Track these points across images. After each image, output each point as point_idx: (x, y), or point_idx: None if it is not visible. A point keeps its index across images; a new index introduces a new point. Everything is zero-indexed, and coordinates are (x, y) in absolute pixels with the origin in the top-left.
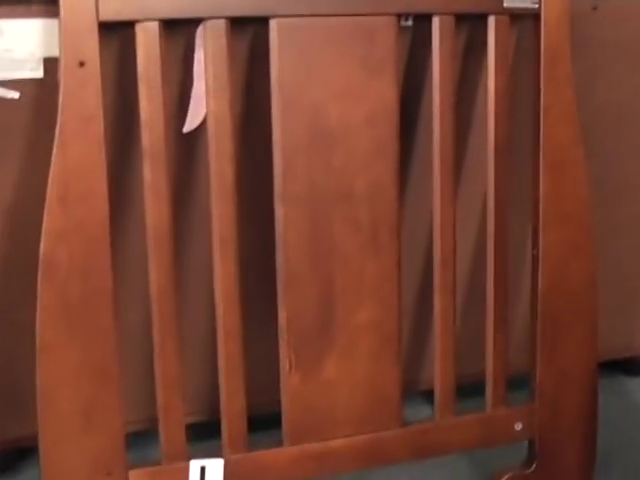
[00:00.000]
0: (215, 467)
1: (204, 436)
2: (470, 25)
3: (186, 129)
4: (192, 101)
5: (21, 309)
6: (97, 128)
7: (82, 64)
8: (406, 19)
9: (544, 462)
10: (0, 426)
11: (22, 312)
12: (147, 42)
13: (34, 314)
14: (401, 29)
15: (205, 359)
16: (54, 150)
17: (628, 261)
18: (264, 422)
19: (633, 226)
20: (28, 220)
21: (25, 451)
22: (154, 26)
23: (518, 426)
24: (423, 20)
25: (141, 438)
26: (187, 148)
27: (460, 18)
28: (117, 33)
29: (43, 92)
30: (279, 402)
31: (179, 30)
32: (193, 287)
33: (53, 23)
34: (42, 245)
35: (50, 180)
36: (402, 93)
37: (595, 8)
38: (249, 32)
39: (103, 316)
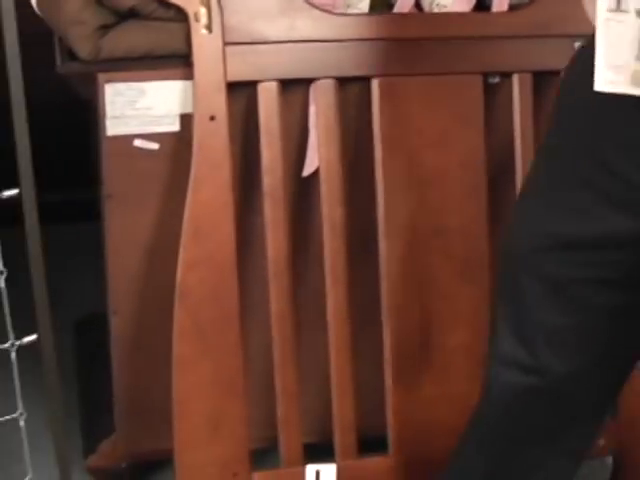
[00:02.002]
0: (329, 471)
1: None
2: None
3: (305, 173)
4: (309, 149)
5: (155, 334)
6: (225, 173)
7: (212, 118)
8: (493, 77)
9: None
10: (131, 440)
11: (155, 336)
12: (267, 99)
13: (166, 338)
14: (489, 85)
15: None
16: (189, 193)
17: None
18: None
19: None
20: (164, 255)
21: (153, 463)
22: (273, 85)
23: (601, 442)
24: (508, 77)
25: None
26: (307, 189)
27: (539, 75)
28: (242, 91)
29: (179, 144)
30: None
31: (297, 86)
32: (310, 312)
33: (187, 84)
34: (178, 274)
35: (185, 218)
36: (491, 141)
37: None
38: (355, 88)
39: (231, 336)
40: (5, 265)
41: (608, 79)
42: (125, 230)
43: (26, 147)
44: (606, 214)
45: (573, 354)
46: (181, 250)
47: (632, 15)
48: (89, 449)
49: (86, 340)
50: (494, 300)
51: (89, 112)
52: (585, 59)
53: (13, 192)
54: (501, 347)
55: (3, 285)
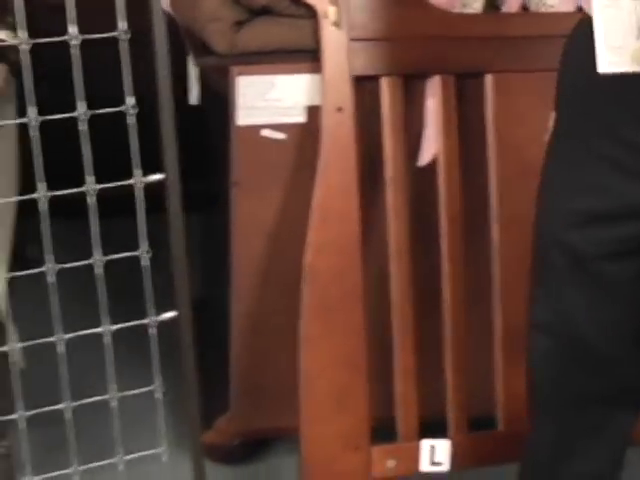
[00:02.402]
0: (443, 446)
1: None
2: None
3: (419, 163)
4: (424, 140)
5: (273, 316)
6: (351, 161)
7: (340, 109)
8: None
9: None
10: (245, 418)
11: (273, 318)
12: (389, 92)
13: (284, 319)
14: None
15: None
16: (317, 179)
17: None
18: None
19: None
20: (287, 239)
21: (263, 441)
22: (394, 79)
23: None
24: None
25: None
26: (422, 178)
27: None
28: (366, 84)
29: (305, 134)
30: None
31: (413, 80)
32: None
33: (314, 77)
34: (306, 256)
35: (313, 204)
36: None
37: None
38: (468, 83)
39: (355, 315)
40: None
41: (610, 61)
42: (250, 216)
43: (172, 138)
44: (625, 187)
45: (605, 326)
46: (309, 233)
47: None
48: (205, 425)
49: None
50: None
51: (212, 104)
52: (584, 39)
53: (159, 177)
54: (538, 315)
55: (148, 264)
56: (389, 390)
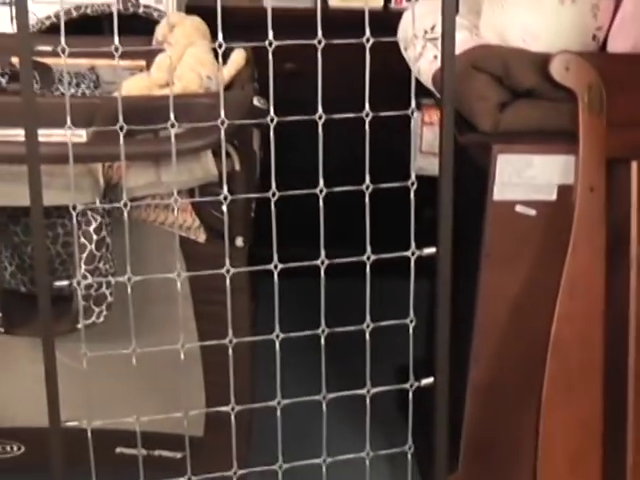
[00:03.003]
0: None
1: None
2: None
3: None
4: None
5: (508, 382)
6: (600, 240)
7: (592, 189)
8: None
9: None
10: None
11: (508, 384)
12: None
13: (518, 385)
14: None
15: None
16: (568, 255)
17: None
18: None
19: None
20: (531, 310)
21: None
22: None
23: None
24: None
25: None
26: None
27: None
28: (617, 166)
29: (555, 211)
30: None
31: None
32: None
33: (568, 158)
34: (553, 327)
35: (563, 277)
36: None
37: None
38: None
39: (594, 384)
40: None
41: None
42: (497, 285)
43: (449, 214)
44: None
45: None
46: (557, 305)
47: None
48: None
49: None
50: None
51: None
52: None
53: (432, 250)
54: None
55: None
56: (622, 459)
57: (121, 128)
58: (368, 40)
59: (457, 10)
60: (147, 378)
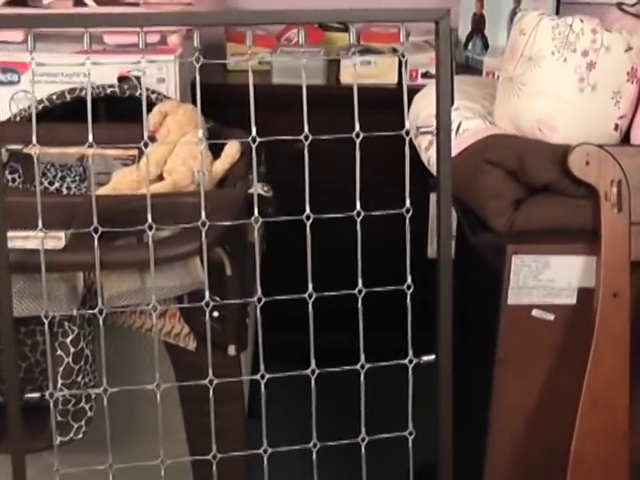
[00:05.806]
0: None
1: None
2: None
3: None
4: None
5: None
6: (624, 348)
7: (615, 295)
8: None
9: None
10: None
11: None
12: None
13: None
14: None
15: None
16: (589, 365)
17: None
18: None
19: None
20: (547, 420)
21: None
22: None
23: None
24: None
25: None
26: None
27: None
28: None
29: (574, 316)
30: None
31: None
32: None
33: (588, 259)
34: (574, 442)
35: (584, 388)
36: None
37: None
38: None
39: None
40: None
41: None
42: (512, 393)
43: (448, 323)
44: None
45: None
46: (578, 419)
47: None
48: None
49: None
50: None
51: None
52: None
53: (431, 358)
54: None
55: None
56: None
57: (95, 230)
58: (358, 135)
59: (452, 102)
60: None
